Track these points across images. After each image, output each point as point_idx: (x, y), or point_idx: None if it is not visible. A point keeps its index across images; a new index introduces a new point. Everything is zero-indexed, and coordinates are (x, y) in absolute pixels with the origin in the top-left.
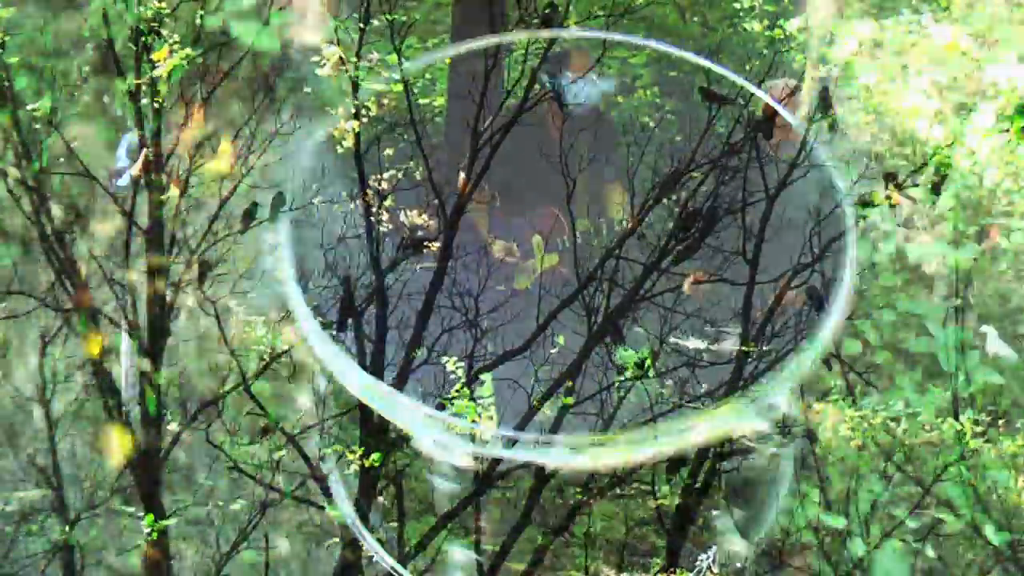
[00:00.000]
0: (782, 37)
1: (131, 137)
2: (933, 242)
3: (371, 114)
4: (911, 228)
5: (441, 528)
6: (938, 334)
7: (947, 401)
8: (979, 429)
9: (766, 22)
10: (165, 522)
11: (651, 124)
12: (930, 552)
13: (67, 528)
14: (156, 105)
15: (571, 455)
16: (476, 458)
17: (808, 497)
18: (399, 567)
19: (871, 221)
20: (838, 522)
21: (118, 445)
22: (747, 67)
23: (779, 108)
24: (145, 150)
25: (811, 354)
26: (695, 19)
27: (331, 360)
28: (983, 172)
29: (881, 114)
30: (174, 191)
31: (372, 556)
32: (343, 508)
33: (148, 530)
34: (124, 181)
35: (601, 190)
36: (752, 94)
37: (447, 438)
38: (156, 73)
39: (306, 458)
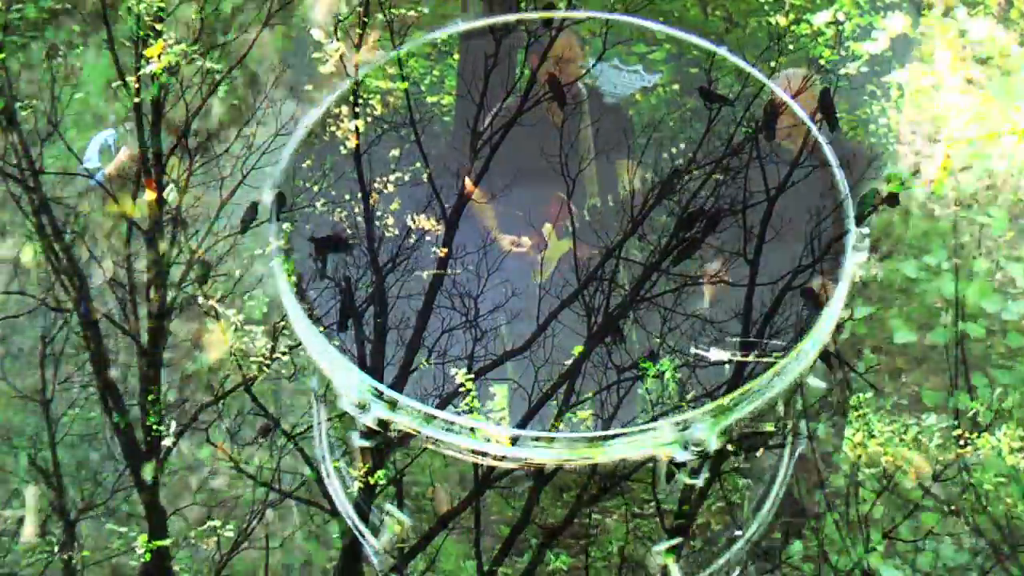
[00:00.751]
0: (808, 32)
1: (104, 136)
2: None
3: (376, 113)
4: None
5: (441, 528)
6: None
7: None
8: (1017, 445)
9: (792, 16)
10: (159, 542)
11: (670, 123)
12: (930, 553)
13: (66, 528)
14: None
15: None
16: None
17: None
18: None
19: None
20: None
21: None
22: (772, 64)
23: (788, 99)
24: (126, 149)
25: (754, 403)
26: (717, 13)
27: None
28: (1021, 176)
29: (913, 112)
30: (150, 194)
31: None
32: (342, 507)
33: (142, 550)
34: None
35: (611, 168)
36: (754, 94)
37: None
38: (149, 70)
39: (306, 458)
